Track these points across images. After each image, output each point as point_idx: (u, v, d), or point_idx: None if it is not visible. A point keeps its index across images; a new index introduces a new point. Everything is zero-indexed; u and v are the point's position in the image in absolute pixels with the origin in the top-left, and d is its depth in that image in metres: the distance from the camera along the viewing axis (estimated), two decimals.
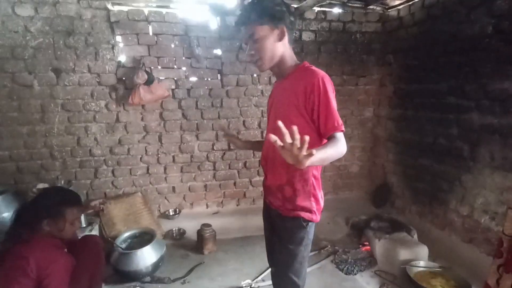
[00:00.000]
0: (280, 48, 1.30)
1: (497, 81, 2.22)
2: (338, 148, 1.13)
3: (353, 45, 3.38)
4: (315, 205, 1.37)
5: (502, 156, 2.22)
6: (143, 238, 2.54)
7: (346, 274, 2.48)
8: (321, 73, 1.23)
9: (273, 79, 3.18)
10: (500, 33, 2.19)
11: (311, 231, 1.40)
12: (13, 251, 1.48)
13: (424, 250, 2.49)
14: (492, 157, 2.29)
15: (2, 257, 1.48)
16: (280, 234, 1.41)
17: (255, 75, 3.22)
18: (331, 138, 1.18)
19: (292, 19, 1.30)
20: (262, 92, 3.28)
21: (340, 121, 1.20)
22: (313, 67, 1.28)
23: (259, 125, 3.33)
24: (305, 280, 1.48)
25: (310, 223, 1.38)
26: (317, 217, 1.39)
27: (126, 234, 2.54)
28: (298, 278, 1.43)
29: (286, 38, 1.30)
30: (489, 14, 2.25)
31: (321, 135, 1.23)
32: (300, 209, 1.34)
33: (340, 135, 1.18)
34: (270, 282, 1.69)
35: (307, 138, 0.86)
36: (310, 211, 1.36)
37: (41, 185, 2.63)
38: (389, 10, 3.29)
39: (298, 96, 1.23)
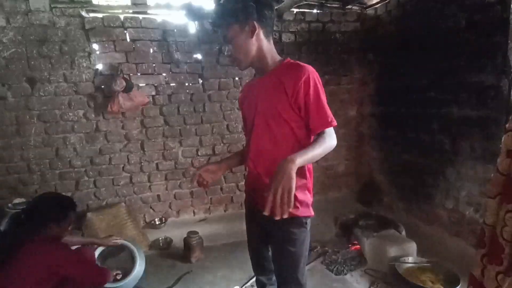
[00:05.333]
0: (254, 44, 1.25)
1: (473, 73, 2.26)
2: (326, 144, 1.15)
3: (333, 45, 3.40)
4: (310, 197, 1.35)
5: (482, 147, 2.25)
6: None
7: (336, 274, 2.45)
8: (308, 67, 1.20)
9: None
10: (472, 26, 2.23)
11: (309, 228, 1.36)
12: (19, 250, 1.51)
13: (412, 246, 2.49)
14: (473, 149, 2.32)
15: (9, 256, 1.50)
16: (280, 240, 1.34)
17: (236, 78, 3.20)
18: (321, 133, 1.18)
19: (266, 12, 1.24)
20: None
21: (331, 116, 1.19)
22: (298, 62, 1.25)
23: (243, 128, 3.29)
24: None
25: (309, 220, 1.34)
26: (312, 210, 1.35)
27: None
28: (302, 276, 1.39)
29: (260, 33, 1.25)
30: (462, 8, 2.29)
31: (311, 131, 1.22)
32: (299, 204, 1.27)
33: (331, 130, 1.19)
34: None
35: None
36: (307, 205, 1.32)
37: (17, 200, 2.53)
38: (366, 9, 3.34)
39: (286, 92, 1.20)
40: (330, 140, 1.16)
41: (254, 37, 1.24)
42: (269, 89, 1.26)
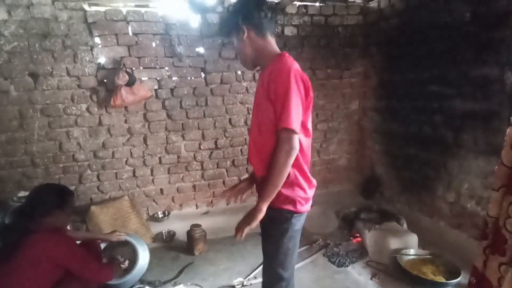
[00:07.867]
0: (248, 45, 1.35)
1: (477, 66, 2.25)
2: (281, 158, 1.20)
3: (336, 38, 3.38)
4: (302, 194, 1.35)
5: (485, 141, 2.25)
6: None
7: (338, 266, 2.48)
8: (289, 65, 1.23)
9: (257, 76, 3.16)
10: (477, 19, 2.22)
11: (297, 223, 1.38)
12: (26, 241, 1.52)
13: (413, 238, 2.51)
14: (475, 142, 2.33)
15: (15, 248, 1.52)
16: (265, 225, 1.41)
17: (239, 72, 3.19)
18: (279, 138, 1.22)
19: (254, 13, 1.31)
20: (247, 89, 3.25)
21: (293, 119, 1.17)
22: (286, 59, 1.28)
23: (245, 122, 3.30)
24: (292, 272, 1.47)
25: (295, 215, 1.35)
26: (303, 207, 1.36)
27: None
28: (283, 269, 1.41)
29: (252, 34, 1.33)
30: (466, 1, 2.27)
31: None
32: (284, 199, 1.32)
33: (287, 135, 1.19)
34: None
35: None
36: (293, 201, 1.33)
37: (22, 193, 2.55)
38: (369, 2, 3.31)
39: (267, 86, 1.27)
40: (283, 146, 1.18)
41: (246, 40, 1.33)
42: (259, 84, 1.36)
